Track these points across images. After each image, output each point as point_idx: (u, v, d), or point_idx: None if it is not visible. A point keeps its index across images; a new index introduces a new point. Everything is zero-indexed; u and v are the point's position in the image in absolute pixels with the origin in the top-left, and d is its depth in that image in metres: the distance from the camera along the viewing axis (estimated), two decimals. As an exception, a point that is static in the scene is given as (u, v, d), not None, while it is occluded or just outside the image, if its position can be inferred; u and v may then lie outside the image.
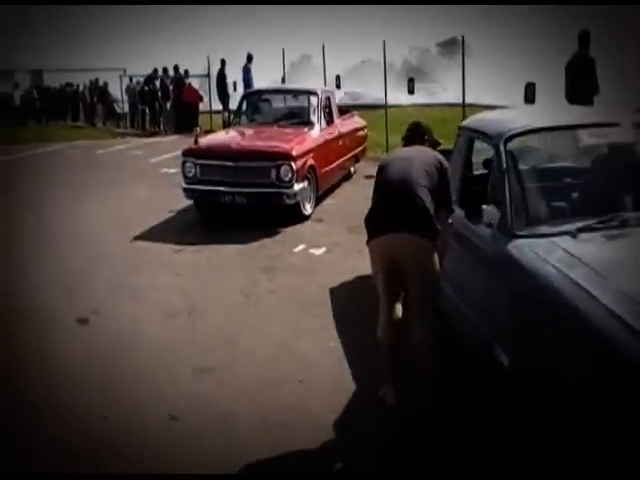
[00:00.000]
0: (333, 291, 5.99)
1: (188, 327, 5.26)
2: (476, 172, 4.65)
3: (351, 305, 5.62)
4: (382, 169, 3.90)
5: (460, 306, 4.14)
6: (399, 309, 3.85)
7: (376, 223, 3.77)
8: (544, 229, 3.51)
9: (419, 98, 15.24)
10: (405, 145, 4.13)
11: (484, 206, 3.66)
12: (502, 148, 3.75)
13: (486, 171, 4.62)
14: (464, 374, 4.28)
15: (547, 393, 2.86)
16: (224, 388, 4.24)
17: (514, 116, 4.40)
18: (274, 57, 17.70)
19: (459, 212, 3.99)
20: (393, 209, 3.70)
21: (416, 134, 4.12)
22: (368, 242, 3.81)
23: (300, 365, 4.54)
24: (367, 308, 5.39)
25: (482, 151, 4.42)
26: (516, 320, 3.30)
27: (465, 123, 4.51)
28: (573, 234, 3.33)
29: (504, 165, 3.70)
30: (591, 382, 2.55)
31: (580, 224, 3.37)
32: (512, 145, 3.78)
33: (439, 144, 4.18)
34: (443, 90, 26.80)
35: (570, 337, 2.78)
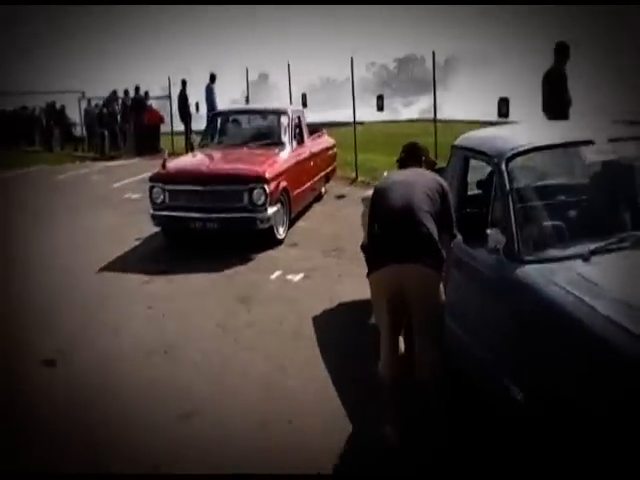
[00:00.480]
0: (316, 320, 5.69)
1: (166, 366, 4.89)
2: (469, 193, 4.42)
3: (336, 335, 5.33)
4: (379, 194, 3.63)
5: (461, 338, 3.87)
6: (402, 343, 3.58)
7: (378, 254, 3.49)
8: (553, 253, 3.31)
9: (381, 115, 15.11)
10: (400, 167, 3.85)
11: (489, 230, 3.41)
12: (504, 168, 3.52)
13: (479, 192, 4.41)
14: (470, 408, 4.01)
15: (570, 426, 2.68)
16: (210, 432, 3.92)
17: (512, 133, 4.17)
18: (232, 76, 17.45)
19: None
20: (397, 238, 3.43)
21: (412, 156, 3.84)
22: (369, 275, 3.53)
23: (288, 403, 4.24)
24: (353, 336, 5.14)
25: (477, 169, 4.20)
26: (531, 351, 3.07)
27: (458, 142, 4.26)
28: (585, 257, 3.14)
29: (507, 186, 3.47)
30: (618, 412, 2.41)
31: (592, 246, 3.19)
32: (514, 164, 3.56)
33: (435, 164, 3.92)
34: (404, 106, 26.95)
35: (595, 366, 2.61)
